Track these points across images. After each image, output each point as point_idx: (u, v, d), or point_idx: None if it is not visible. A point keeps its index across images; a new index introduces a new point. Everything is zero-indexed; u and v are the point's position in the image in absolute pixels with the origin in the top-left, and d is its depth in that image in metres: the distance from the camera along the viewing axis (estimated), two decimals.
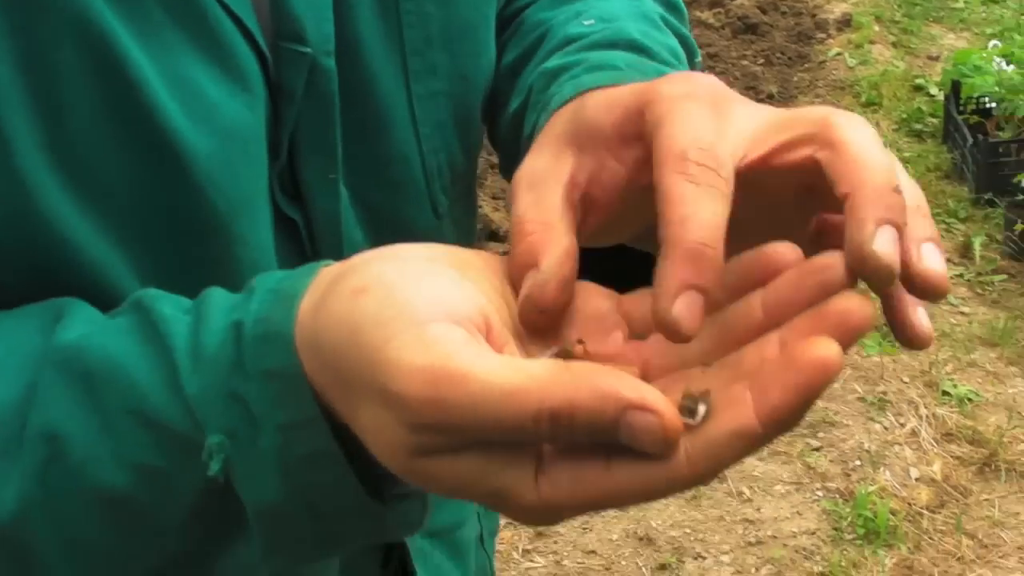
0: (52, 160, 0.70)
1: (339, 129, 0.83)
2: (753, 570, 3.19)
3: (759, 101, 4.50)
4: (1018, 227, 4.32)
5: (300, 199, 0.84)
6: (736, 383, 0.58)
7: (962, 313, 4.23)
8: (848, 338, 0.56)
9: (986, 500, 3.42)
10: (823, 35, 6.54)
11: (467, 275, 0.63)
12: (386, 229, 0.87)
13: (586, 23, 0.92)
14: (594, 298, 0.68)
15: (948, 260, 4.31)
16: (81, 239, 0.72)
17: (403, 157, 0.90)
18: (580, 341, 0.64)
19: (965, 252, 4.56)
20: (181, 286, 0.72)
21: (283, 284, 0.66)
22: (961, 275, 4.44)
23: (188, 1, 0.73)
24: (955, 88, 5.09)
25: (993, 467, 3.51)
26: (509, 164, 0.91)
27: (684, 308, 0.58)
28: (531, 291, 0.64)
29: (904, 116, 5.60)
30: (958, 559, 3.22)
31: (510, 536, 3.28)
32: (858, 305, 0.57)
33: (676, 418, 0.55)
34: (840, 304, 0.57)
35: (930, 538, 3.28)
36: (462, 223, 0.99)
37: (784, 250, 0.62)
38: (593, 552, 3.26)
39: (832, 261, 0.59)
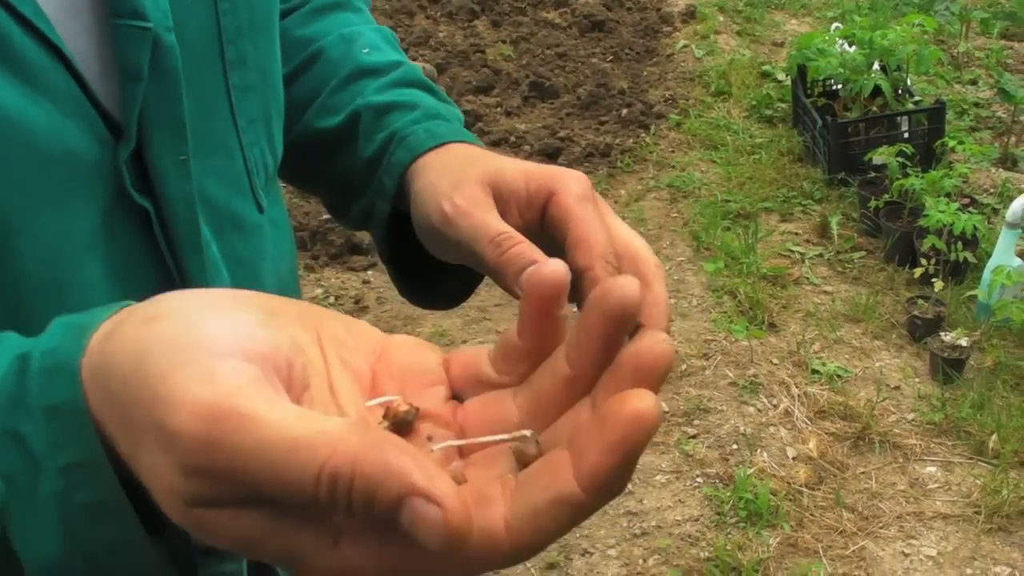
0: None
1: (186, 106, 0.81)
2: (640, 561, 3.19)
3: (610, 98, 4.54)
4: (872, 204, 4.40)
5: (150, 187, 0.81)
6: (556, 449, 0.56)
7: (825, 292, 4.30)
8: (652, 378, 0.55)
9: (863, 473, 3.47)
10: (669, 28, 6.61)
11: (275, 320, 0.59)
12: (224, 222, 0.89)
13: (364, 51, 1.10)
14: (419, 351, 0.67)
15: (807, 240, 4.39)
16: None
17: (227, 147, 0.90)
18: (418, 411, 0.62)
19: (823, 232, 4.63)
20: None
21: (78, 318, 0.60)
22: (821, 255, 4.51)
23: None
24: (801, 72, 5.18)
25: (867, 440, 3.56)
26: (301, 166, 1.09)
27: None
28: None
29: (754, 103, 5.68)
30: (840, 532, 3.26)
31: None
32: (651, 343, 0.56)
33: (464, 519, 0.50)
34: (635, 347, 0.56)
35: (811, 514, 3.31)
36: (279, 226, 1.01)
37: (544, 270, 0.61)
38: None
39: (612, 286, 0.57)
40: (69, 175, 0.76)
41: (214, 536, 0.54)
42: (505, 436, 0.60)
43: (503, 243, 0.80)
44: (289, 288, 1.03)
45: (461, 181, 0.88)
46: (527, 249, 0.79)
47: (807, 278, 4.37)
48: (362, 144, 1.03)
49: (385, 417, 0.61)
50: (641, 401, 0.52)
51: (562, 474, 0.53)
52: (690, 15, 6.73)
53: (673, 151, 5.36)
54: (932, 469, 3.47)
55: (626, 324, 0.56)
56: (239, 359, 0.53)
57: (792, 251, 4.54)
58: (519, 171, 0.87)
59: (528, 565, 3.18)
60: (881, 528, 3.28)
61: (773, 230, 4.68)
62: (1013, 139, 5.13)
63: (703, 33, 6.50)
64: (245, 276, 0.92)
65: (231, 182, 0.91)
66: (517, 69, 5.97)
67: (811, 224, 4.72)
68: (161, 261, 0.83)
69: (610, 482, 0.53)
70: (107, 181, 0.78)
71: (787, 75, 5.59)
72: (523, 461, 0.58)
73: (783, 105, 5.61)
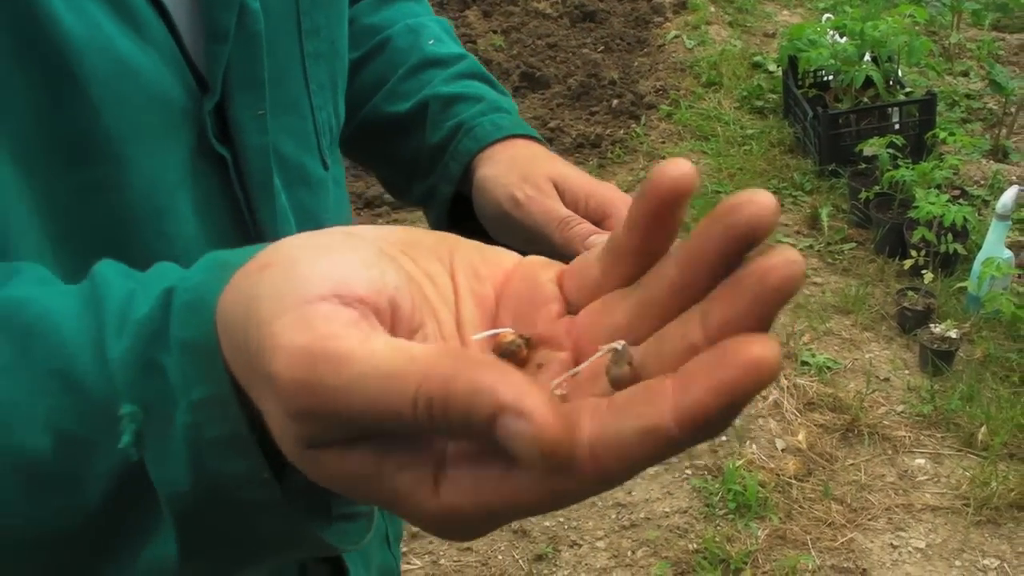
0: None
1: (266, 67, 0.89)
2: (629, 553, 3.18)
3: (601, 88, 4.53)
4: (862, 195, 4.40)
5: (230, 137, 0.88)
6: (660, 377, 0.52)
7: (815, 283, 4.29)
8: (776, 299, 0.50)
9: (851, 465, 3.46)
10: (660, 19, 6.59)
11: (394, 254, 0.60)
12: (293, 175, 0.96)
13: (430, 42, 1.22)
14: (537, 270, 0.66)
15: (797, 232, 4.39)
16: None
17: (298, 108, 0.97)
18: (528, 341, 0.62)
19: (813, 223, 4.62)
20: (74, 211, 0.77)
21: (223, 254, 0.62)
22: (811, 246, 4.50)
23: None
24: (792, 63, 5.17)
25: (856, 432, 3.56)
26: (368, 145, 1.21)
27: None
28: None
29: (745, 94, 5.67)
30: (829, 524, 3.25)
31: None
32: (784, 260, 0.50)
33: (559, 430, 0.48)
34: (764, 262, 0.51)
35: (800, 506, 3.31)
36: (339, 184, 1.08)
37: (672, 165, 0.55)
38: (469, 549, 3.22)
39: (745, 199, 0.51)
40: (166, 117, 0.83)
41: (326, 476, 0.55)
42: (596, 355, 0.57)
43: (570, 222, 0.98)
44: None
45: (530, 174, 1.03)
46: (590, 227, 0.96)
47: None
48: (430, 131, 1.15)
49: (493, 351, 0.61)
50: (764, 349, 0.48)
51: (659, 404, 0.50)
52: (681, 5, 6.72)
53: (664, 142, 5.35)
54: (921, 461, 3.47)
55: (752, 243, 0.51)
56: (335, 303, 0.54)
57: (782, 242, 4.53)
58: (582, 183, 1.03)
59: (516, 556, 3.17)
60: (870, 520, 3.27)
61: None
62: (1004, 131, 5.13)
63: (694, 23, 6.48)
64: (309, 227, 0.92)
65: (301, 139, 0.98)
66: (508, 59, 5.95)
67: (801, 215, 4.71)
68: (236, 204, 0.90)
69: (710, 424, 0.49)
70: (193, 128, 0.85)
71: (778, 66, 5.58)
72: (616, 380, 0.55)
73: (774, 96, 5.60)
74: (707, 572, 3.09)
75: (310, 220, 0.99)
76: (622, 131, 5.38)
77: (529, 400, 0.48)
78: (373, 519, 0.68)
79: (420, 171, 1.18)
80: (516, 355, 0.61)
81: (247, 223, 0.91)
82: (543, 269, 0.65)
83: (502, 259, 0.67)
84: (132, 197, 0.81)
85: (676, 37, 6.34)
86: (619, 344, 0.56)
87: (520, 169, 1.05)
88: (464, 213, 1.14)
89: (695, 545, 3.19)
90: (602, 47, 6.25)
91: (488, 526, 0.54)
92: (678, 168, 0.54)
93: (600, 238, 0.94)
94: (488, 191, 1.06)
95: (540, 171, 1.04)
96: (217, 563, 0.65)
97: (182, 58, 0.83)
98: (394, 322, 0.56)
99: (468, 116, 1.14)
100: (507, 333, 0.61)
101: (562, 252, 0.95)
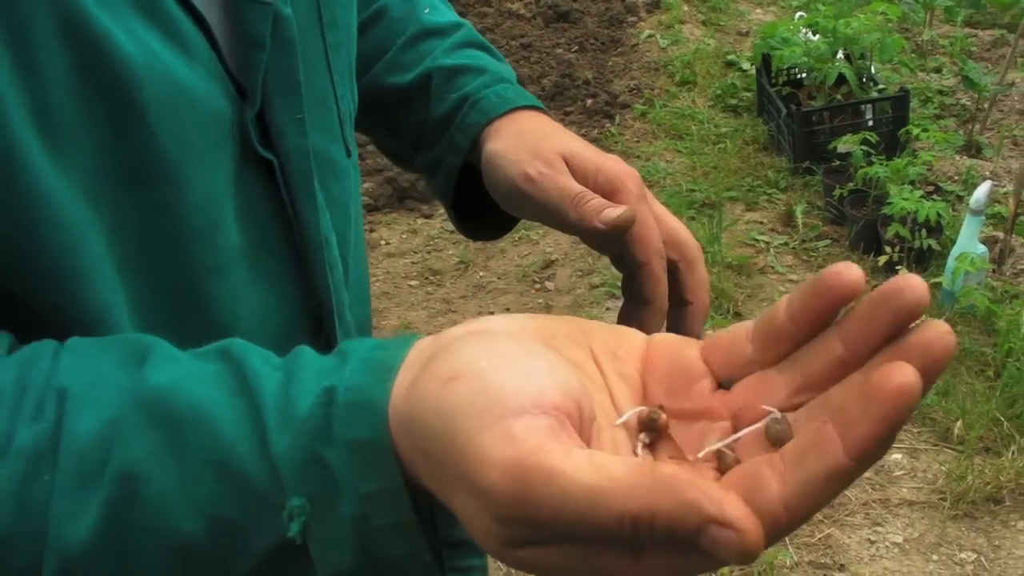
0: (34, 121, 0.72)
1: (302, 71, 0.91)
2: None
3: (575, 88, 4.53)
4: (836, 192, 4.40)
5: (272, 143, 0.91)
6: (822, 422, 0.59)
7: (791, 281, 4.29)
8: (933, 367, 0.58)
9: None
10: (634, 18, 6.60)
11: (557, 359, 0.65)
12: (324, 168, 0.98)
13: (426, 11, 1.24)
14: (678, 347, 0.72)
15: (772, 229, 4.39)
16: (60, 197, 0.74)
17: (325, 101, 0.99)
18: (661, 407, 0.67)
19: (788, 221, 4.63)
20: (135, 235, 0.79)
21: (377, 354, 0.68)
22: (786, 243, 4.51)
23: None
24: (765, 61, 5.18)
25: None
26: (370, 115, 1.20)
27: None
28: (625, 214, 0.97)
29: (719, 92, 5.68)
30: (806, 521, 3.24)
31: None
32: (939, 334, 0.59)
33: (756, 531, 0.55)
34: (922, 335, 0.59)
35: None
36: (357, 166, 1.11)
37: (847, 271, 0.63)
38: None
39: (905, 284, 0.60)
40: (216, 131, 0.85)
41: (527, 565, 0.62)
42: (757, 425, 0.64)
43: (584, 197, 1.00)
44: (361, 222, 1.14)
45: (540, 150, 1.06)
46: (602, 201, 0.99)
47: (772, 267, 4.37)
48: (434, 103, 1.18)
49: (639, 427, 0.67)
50: (905, 375, 0.55)
51: (831, 446, 0.57)
52: (655, 5, 6.73)
53: (638, 141, 5.35)
54: (898, 456, 3.47)
55: (911, 321, 0.60)
56: (535, 415, 0.59)
57: (757, 240, 4.54)
58: (591, 157, 1.05)
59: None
60: (847, 516, 3.27)
61: (738, 219, 4.68)
62: (977, 127, 5.14)
63: (668, 23, 6.49)
64: (339, 216, 1.02)
65: (329, 132, 1.00)
66: None
67: (776, 213, 4.71)
68: (281, 206, 0.93)
69: (876, 451, 0.56)
70: (237, 137, 0.87)
71: (752, 64, 5.59)
72: (776, 441, 0.62)
73: (748, 94, 5.61)
74: None
75: (340, 210, 1.02)
76: (596, 131, 5.38)
77: (730, 510, 0.54)
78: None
79: (424, 142, 1.20)
80: (658, 425, 0.67)
81: (291, 222, 0.94)
82: (685, 347, 0.71)
83: (632, 339, 0.73)
84: (189, 215, 0.83)
85: (650, 36, 6.35)
86: (776, 412, 0.64)
87: (530, 145, 1.07)
88: (467, 181, 1.18)
89: None
90: (576, 47, 6.25)
91: None
92: (851, 274, 0.62)
93: (613, 211, 0.98)
94: (500, 168, 1.08)
95: (550, 147, 1.06)
96: None
97: (223, 70, 0.85)
98: (581, 423, 0.62)
99: (473, 88, 1.16)
100: (644, 411, 0.67)
101: (577, 226, 1.00)
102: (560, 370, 0.63)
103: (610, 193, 1.02)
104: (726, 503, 0.55)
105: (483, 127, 1.13)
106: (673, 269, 1.04)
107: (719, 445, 0.65)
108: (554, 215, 1.03)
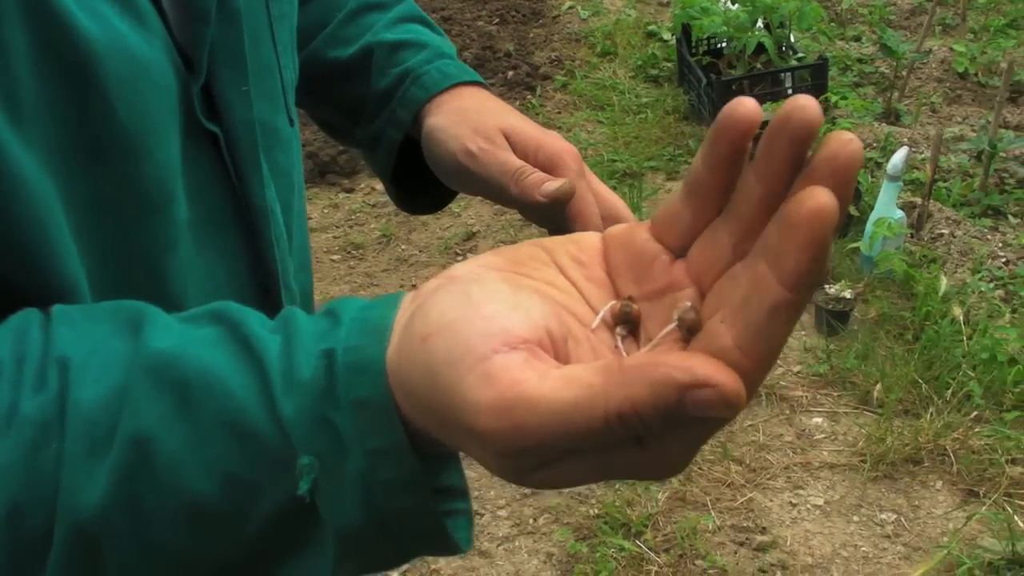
0: (1, 99, 0.73)
1: (247, 43, 0.92)
2: (531, 521, 3.18)
3: (496, 60, 4.53)
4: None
5: (218, 115, 0.91)
6: (751, 261, 0.62)
7: None
8: (844, 178, 0.60)
9: (750, 426, 3.48)
10: None
11: (519, 283, 0.69)
12: (270, 138, 0.98)
13: None
14: (630, 235, 0.74)
15: None
16: (28, 174, 0.75)
17: (270, 71, 0.99)
18: (630, 298, 0.70)
19: None
20: (99, 210, 0.81)
21: (369, 315, 0.70)
22: None
23: None
24: (685, 31, 5.18)
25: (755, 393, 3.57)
26: (311, 88, 1.22)
27: None
28: (564, 187, 1.01)
29: (640, 63, 5.67)
30: (728, 485, 3.27)
31: None
32: (841, 143, 0.60)
33: (732, 379, 0.57)
34: (826, 151, 0.60)
35: (699, 468, 3.32)
36: (300, 133, 1.11)
37: (739, 105, 0.65)
38: None
39: (794, 107, 0.61)
40: (169, 104, 0.85)
41: (555, 485, 0.66)
42: (669, 327, 0.67)
43: (524, 171, 1.03)
44: (301, 190, 1.14)
45: (481, 126, 1.08)
46: (541, 175, 1.03)
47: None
48: (375, 77, 1.19)
49: (614, 323, 0.70)
50: (815, 198, 0.57)
51: (766, 283, 0.59)
52: None
53: (559, 112, 5.34)
54: (818, 420, 3.50)
55: (811, 141, 0.61)
56: (506, 352, 0.62)
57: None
58: (532, 133, 1.08)
59: None
60: (769, 479, 3.29)
61: (659, 188, 4.68)
62: (896, 94, 5.18)
63: None
64: (284, 185, 1.03)
65: (273, 102, 1.00)
66: None
67: None
68: (227, 178, 0.94)
69: (809, 277, 0.58)
70: (183, 110, 0.88)
71: (672, 35, 5.59)
72: (691, 331, 0.65)
73: (669, 64, 5.61)
74: (608, 536, 3.08)
75: (284, 179, 1.03)
76: (518, 102, 5.36)
77: (701, 370, 0.57)
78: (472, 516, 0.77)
79: (365, 116, 1.21)
80: (631, 315, 0.69)
81: (236, 192, 0.96)
82: (636, 232, 0.73)
83: (590, 241, 0.75)
84: (147, 188, 0.84)
85: (571, 8, 6.33)
86: (686, 303, 0.66)
87: (471, 121, 1.10)
88: (406, 155, 1.21)
89: (596, 511, 3.19)
90: (497, 19, 6.22)
91: (692, 453, 0.65)
92: (744, 107, 0.63)
93: (553, 184, 1.02)
94: (441, 143, 1.11)
95: (491, 122, 1.09)
96: (364, 569, 0.74)
97: (172, 42, 0.86)
98: (554, 345, 0.65)
99: (414, 64, 1.18)
100: (613, 305, 0.70)
101: (518, 200, 1.04)
102: (522, 305, 0.66)
103: (550, 168, 1.05)
104: (695, 366, 0.57)
105: (425, 103, 1.15)
106: None
107: (643, 352, 0.68)
108: (495, 189, 1.06)
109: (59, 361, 0.70)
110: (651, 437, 0.62)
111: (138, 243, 0.85)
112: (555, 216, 1.04)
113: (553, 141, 1.08)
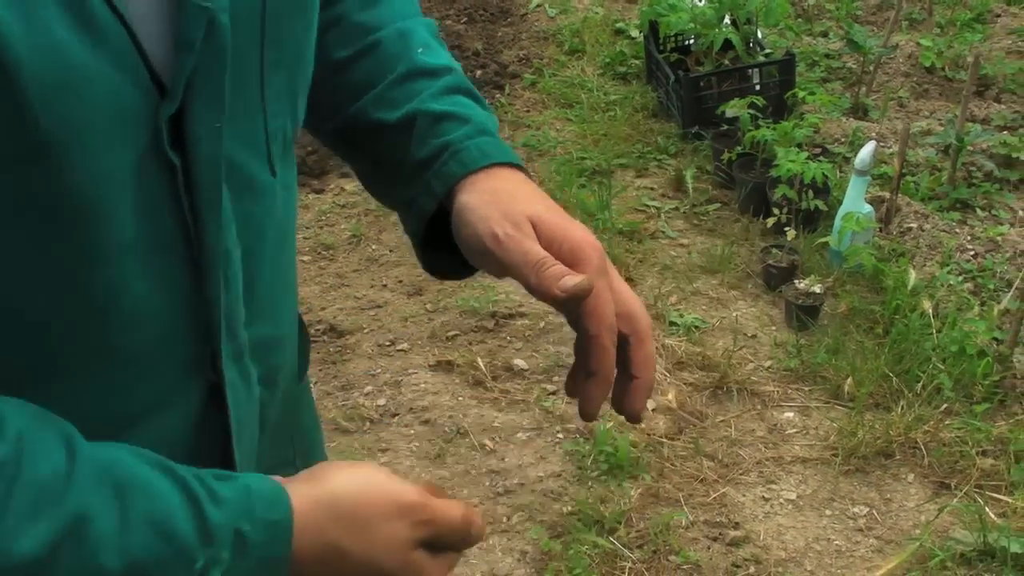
0: None
1: (229, 82, 0.92)
2: (505, 519, 3.17)
3: (465, 59, 4.51)
4: (725, 156, 4.43)
5: (183, 145, 0.91)
6: None
7: (681, 245, 4.31)
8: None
9: (722, 421, 3.48)
10: None
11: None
12: (240, 181, 0.99)
13: (419, 51, 1.24)
14: None
15: (663, 195, 4.41)
16: None
17: (251, 115, 0.99)
18: None
19: (678, 186, 4.65)
20: (14, 211, 0.83)
21: (272, 519, 0.96)
22: (677, 208, 4.52)
23: None
24: (653, 28, 5.18)
25: (725, 389, 3.58)
26: (351, 143, 1.27)
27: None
28: (582, 283, 1.03)
29: (608, 60, 5.67)
30: (701, 480, 3.27)
31: None
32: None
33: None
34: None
35: (672, 464, 3.32)
36: (289, 188, 1.11)
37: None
38: None
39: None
40: (117, 121, 0.85)
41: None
42: None
43: (545, 263, 1.05)
44: (288, 243, 1.16)
45: (510, 212, 1.09)
46: (562, 269, 1.04)
47: (663, 231, 4.38)
48: (415, 145, 1.19)
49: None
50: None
51: None
52: None
53: (528, 110, 5.33)
54: (790, 414, 3.50)
55: None
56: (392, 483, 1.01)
57: (648, 206, 4.55)
58: (558, 224, 1.10)
59: None
60: (741, 475, 3.30)
61: (628, 185, 4.68)
62: (863, 89, 5.20)
63: None
64: (251, 232, 1.03)
65: (251, 146, 1.00)
66: None
67: (666, 178, 4.73)
68: (180, 209, 0.94)
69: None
70: (146, 133, 0.88)
71: (640, 32, 5.58)
72: None
73: (637, 62, 5.61)
74: (582, 533, 3.08)
75: (252, 226, 1.03)
76: (487, 101, 5.34)
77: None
78: None
79: (402, 180, 1.21)
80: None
81: (188, 227, 0.95)
82: None
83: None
84: (72, 198, 0.85)
85: (539, 6, 6.33)
86: None
87: (501, 204, 1.10)
88: (437, 223, 1.20)
89: (569, 508, 3.18)
90: (465, 18, 6.21)
91: None
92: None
93: (571, 280, 1.03)
94: (470, 223, 1.11)
95: (520, 208, 1.09)
96: None
97: (142, 64, 0.86)
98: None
99: (455, 138, 1.18)
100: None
101: (536, 290, 1.05)
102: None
103: (572, 261, 1.06)
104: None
105: (460, 179, 1.15)
106: (624, 341, 1.09)
107: None
108: (516, 275, 1.07)
109: (13, 426, 0.85)
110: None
111: (60, 252, 0.87)
112: (572, 309, 1.06)
113: (578, 233, 1.09)
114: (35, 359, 0.92)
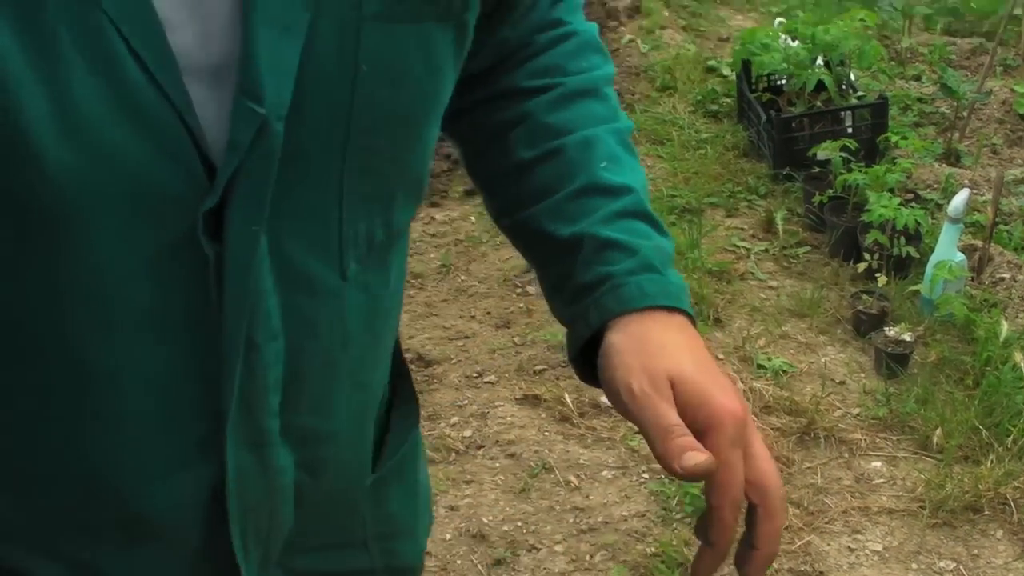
0: None
1: (273, 188, 0.89)
2: (588, 557, 3.18)
3: None
4: (816, 199, 4.41)
5: (220, 240, 0.89)
6: None
7: (770, 287, 4.30)
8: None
9: (808, 468, 3.47)
10: (615, 23, 6.59)
11: None
12: (293, 280, 0.96)
13: (602, 165, 1.19)
14: None
15: (752, 236, 4.40)
16: None
17: (322, 218, 0.97)
18: None
19: (768, 227, 4.64)
20: (8, 269, 0.85)
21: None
22: (766, 250, 4.51)
23: (87, 22, 0.78)
24: (745, 67, 5.18)
25: (812, 435, 3.57)
26: (521, 241, 1.25)
27: None
28: (703, 464, 0.99)
29: (699, 98, 5.68)
30: (786, 528, 3.24)
31: None
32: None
33: None
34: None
35: None
36: (372, 289, 1.07)
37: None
38: (428, 554, 3.20)
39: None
40: (145, 204, 0.86)
41: None
42: None
43: (673, 432, 1.01)
44: (357, 343, 1.09)
45: (651, 368, 1.06)
46: (690, 441, 1.00)
47: (752, 273, 4.38)
48: (580, 268, 1.17)
49: None
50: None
51: None
52: (635, 10, 6.72)
53: None
54: (877, 464, 3.48)
55: None
56: None
57: (737, 246, 4.55)
58: (699, 387, 1.06)
59: (475, 561, 3.16)
60: (827, 523, 3.28)
61: (718, 225, 4.68)
62: (956, 135, 5.17)
63: (649, 28, 6.49)
64: (300, 330, 1.00)
65: (316, 247, 0.97)
66: None
67: (756, 219, 4.72)
68: (207, 302, 0.92)
69: None
70: (183, 220, 0.88)
71: (732, 70, 5.59)
72: None
73: (728, 100, 5.62)
74: (664, 575, 3.09)
75: (302, 324, 1.00)
76: None
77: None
78: None
79: (564, 295, 1.20)
80: None
81: (215, 319, 0.94)
82: None
83: None
84: (75, 273, 0.87)
85: (631, 42, 6.35)
86: None
87: (645, 356, 1.08)
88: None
89: (653, 549, 3.19)
90: None
91: None
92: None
93: (694, 459, 0.99)
94: (611, 367, 1.10)
95: (663, 366, 1.07)
96: None
97: (195, 153, 0.86)
98: None
99: (617, 271, 1.15)
100: None
101: (660, 457, 1.02)
102: None
103: (705, 429, 1.03)
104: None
105: (615, 316, 1.13)
106: (752, 509, 1.07)
107: None
108: (644, 435, 1.05)
109: None
110: None
111: (50, 330, 0.90)
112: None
113: (719, 400, 1.06)
114: (32, 419, 0.96)
